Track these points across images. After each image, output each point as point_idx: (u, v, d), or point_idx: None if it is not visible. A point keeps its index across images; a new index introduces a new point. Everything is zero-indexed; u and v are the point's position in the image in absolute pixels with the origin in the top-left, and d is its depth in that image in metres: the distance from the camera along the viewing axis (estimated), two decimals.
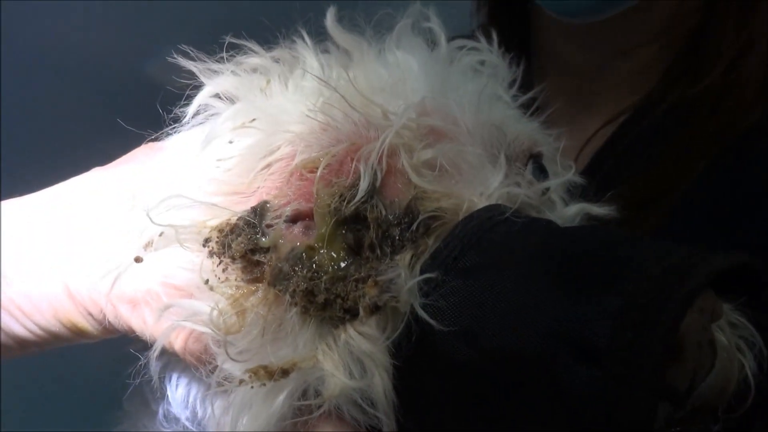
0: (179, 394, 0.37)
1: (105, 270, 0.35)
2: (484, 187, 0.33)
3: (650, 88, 0.55)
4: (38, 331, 0.38)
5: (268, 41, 0.39)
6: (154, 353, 0.33)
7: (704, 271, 0.25)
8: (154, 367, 0.33)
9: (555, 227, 0.30)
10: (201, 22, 0.86)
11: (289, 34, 0.39)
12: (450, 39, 0.40)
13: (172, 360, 0.38)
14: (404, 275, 0.29)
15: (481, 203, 0.32)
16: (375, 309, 0.28)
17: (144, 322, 0.35)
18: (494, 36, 0.41)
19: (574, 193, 0.40)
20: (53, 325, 0.37)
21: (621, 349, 0.24)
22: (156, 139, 0.38)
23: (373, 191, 0.31)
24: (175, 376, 0.38)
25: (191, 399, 0.37)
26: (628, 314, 0.24)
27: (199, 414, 0.36)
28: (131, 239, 0.36)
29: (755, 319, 0.31)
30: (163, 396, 0.40)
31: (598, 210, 0.37)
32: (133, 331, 0.36)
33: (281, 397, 0.30)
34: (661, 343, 0.24)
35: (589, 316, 0.25)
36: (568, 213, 0.36)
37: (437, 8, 0.41)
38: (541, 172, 0.37)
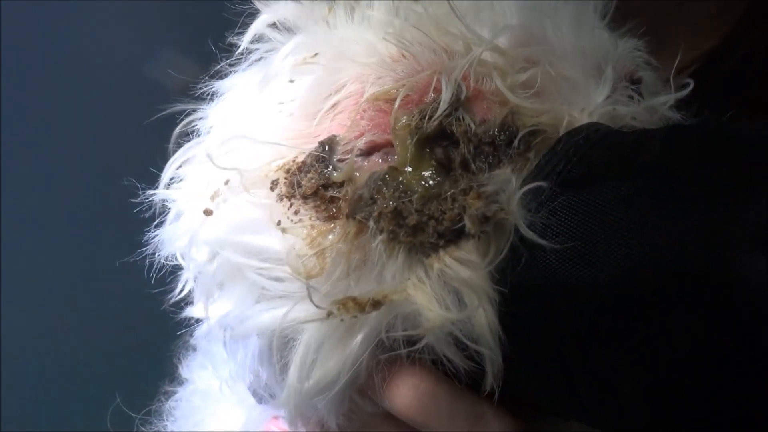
0: (240, 357, 0.34)
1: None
2: (586, 102, 0.29)
3: (727, 34, 0.51)
4: None
5: None
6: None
7: None
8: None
9: (685, 128, 0.26)
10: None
11: None
12: None
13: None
14: (513, 183, 0.25)
15: (583, 120, 0.28)
16: (484, 220, 0.24)
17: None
18: None
19: None
20: None
21: None
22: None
23: (457, 104, 0.27)
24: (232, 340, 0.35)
25: (254, 359, 0.33)
26: None
27: (263, 375, 0.33)
28: (196, 193, 0.33)
29: None
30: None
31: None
32: None
33: (360, 337, 0.26)
34: None
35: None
36: None
37: None
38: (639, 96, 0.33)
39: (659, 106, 0.31)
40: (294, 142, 0.32)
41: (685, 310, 0.21)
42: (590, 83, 0.31)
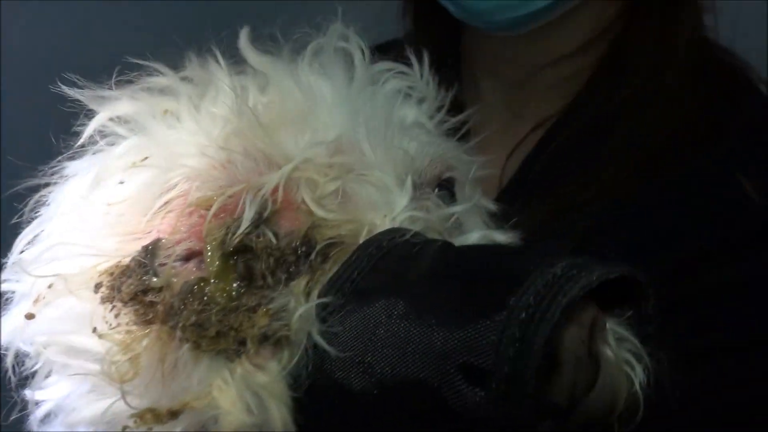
0: None
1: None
2: (388, 210, 0.33)
3: (575, 95, 0.56)
4: None
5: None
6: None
7: (582, 283, 0.25)
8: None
9: (449, 247, 0.30)
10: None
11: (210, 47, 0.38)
12: (376, 47, 0.40)
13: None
14: (294, 301, 0.28)
15: (384, 226, 0.32)
16: (264, 339, 0.27)
17: None
18: (425, 54, 0.41)
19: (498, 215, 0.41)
20: None
21: (503, 366, 0.24)
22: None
23: (259, 221, 0.30)
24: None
25: None
26: (509, 330, 0.24)
27: None
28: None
29: (642, 332, 0.31)
30: None
31: (500, 237, 0.37)
32: None
33: None
34: (537, 359, 0.24)
35: (476, 337, 0.25)
36: (471, 239, 0.36)
37: (361, 11, 0.41)
38: (451, 197, 0.37)
39: (452, 213, 0.35)
40: (124, 238, 0.34)
41: (425, 421, 0.25)
42: (394, 192, 0.34)
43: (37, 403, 0.38)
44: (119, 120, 0.37)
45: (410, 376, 0.26)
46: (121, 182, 0.35)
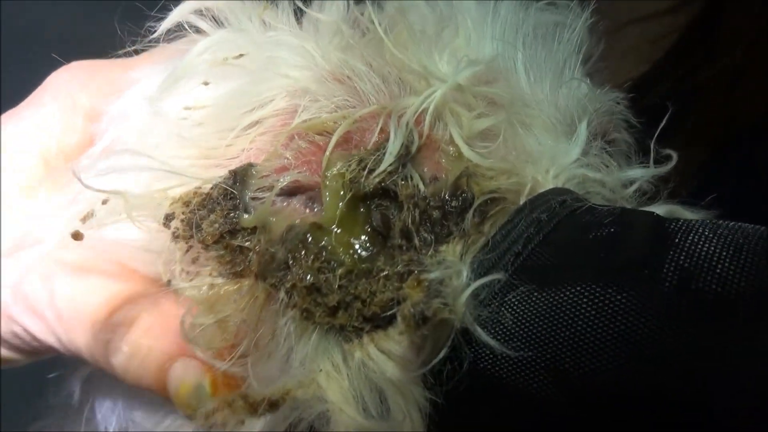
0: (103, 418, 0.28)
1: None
2: (553, 163, 0.25)
3: (657, 62, 0.48)
4: None
5: None
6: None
7: None
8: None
9: (660, 223, 0.22)
10: None
11: None
12: None
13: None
14: (465, 274, 0.20)
15: (547, 183, 0.24)
16: (423, 321, 0.19)
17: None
18: None
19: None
20: None
21: None
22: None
23: (406, 158, 0.22)
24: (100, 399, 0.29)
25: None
26: None
27: None
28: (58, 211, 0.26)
29: None
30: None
31: (690, 215, 0.29)
32: (55, 351, 0.26)
33: None
34: None
35: None
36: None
37: None
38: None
39: (634, 179, 0.27)
40: (200, 163, 0.26)
41: None
42: (560, 140, 0.26)
43: None
44: (206, 14, 0.29)
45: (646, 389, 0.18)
46: (206, 83, 0.27)
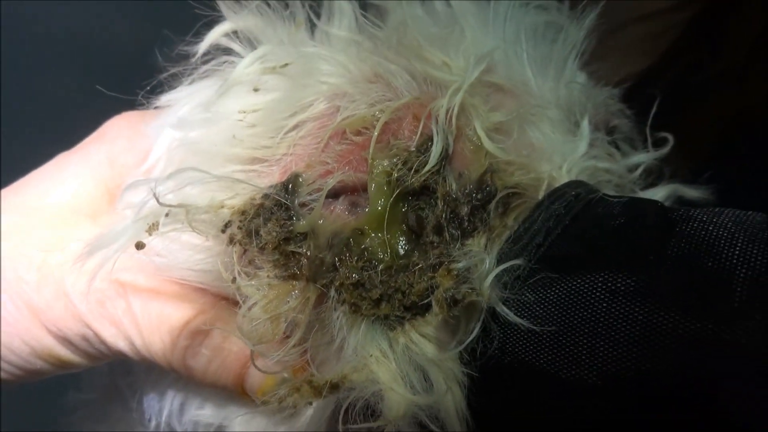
0: (155, 409, 0.32)
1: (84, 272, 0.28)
2: (564, 157, 0.27)
3: (661, 55, 0.49)
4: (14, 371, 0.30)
5: None
6: None
7: None
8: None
9: (667, 213, 0.24)
10: None
11: None
12: None
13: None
14: (488, 262, 0.23)
15: (562, 177, 0.26)
16: (453, 303, 0.22)
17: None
18: None
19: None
20: (29, 363, 0.30)
21: None
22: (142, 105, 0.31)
23: (444, 159, 0.25)
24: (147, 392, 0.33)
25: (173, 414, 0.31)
26: None
27: None
28: (122, 225, 0.30)
29: None
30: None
31: (692, 192, 0.31)
32: (123, 355, 0.29)
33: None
34: None
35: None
36: (658, 194, 0.30)
37: None
38: (616, 149, 0.31)
39: (639, 164, 0.29)
40: (249, 168, 0.29)
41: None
42: (566, 135, 0.28)
43: None
44: (237, 36, 0.31)
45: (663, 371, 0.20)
46: (256, 90, 0.29)
